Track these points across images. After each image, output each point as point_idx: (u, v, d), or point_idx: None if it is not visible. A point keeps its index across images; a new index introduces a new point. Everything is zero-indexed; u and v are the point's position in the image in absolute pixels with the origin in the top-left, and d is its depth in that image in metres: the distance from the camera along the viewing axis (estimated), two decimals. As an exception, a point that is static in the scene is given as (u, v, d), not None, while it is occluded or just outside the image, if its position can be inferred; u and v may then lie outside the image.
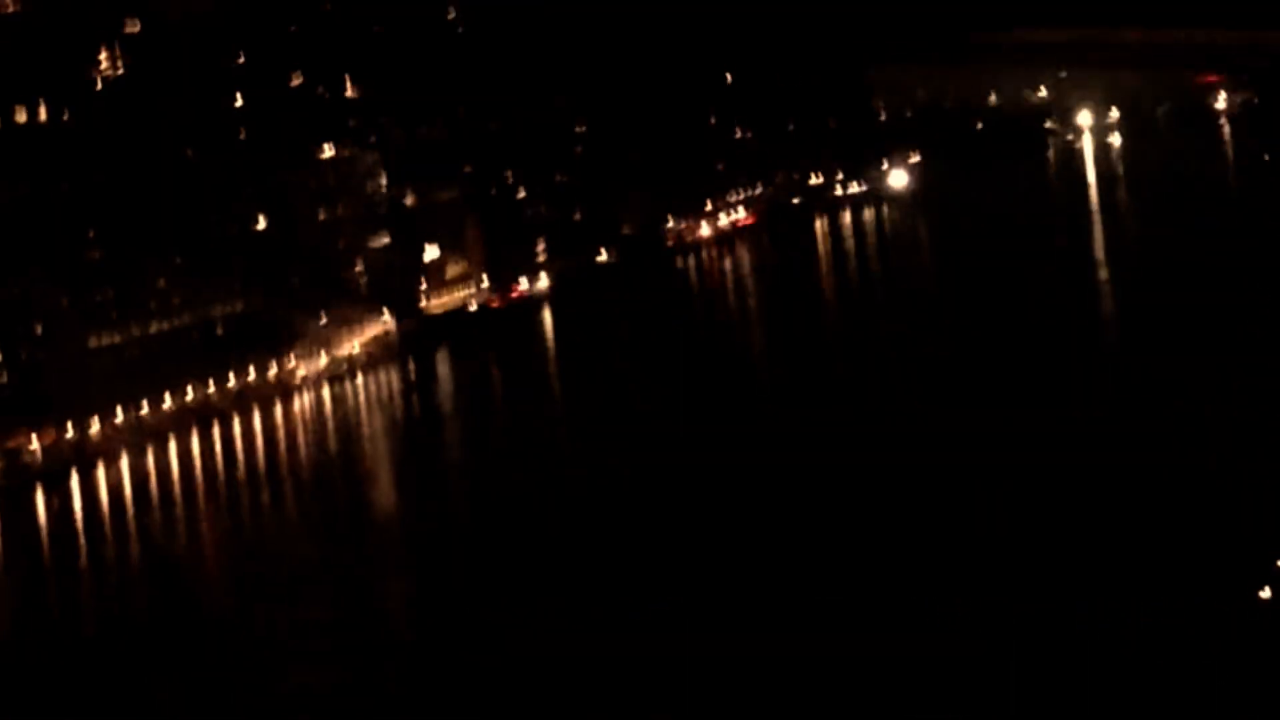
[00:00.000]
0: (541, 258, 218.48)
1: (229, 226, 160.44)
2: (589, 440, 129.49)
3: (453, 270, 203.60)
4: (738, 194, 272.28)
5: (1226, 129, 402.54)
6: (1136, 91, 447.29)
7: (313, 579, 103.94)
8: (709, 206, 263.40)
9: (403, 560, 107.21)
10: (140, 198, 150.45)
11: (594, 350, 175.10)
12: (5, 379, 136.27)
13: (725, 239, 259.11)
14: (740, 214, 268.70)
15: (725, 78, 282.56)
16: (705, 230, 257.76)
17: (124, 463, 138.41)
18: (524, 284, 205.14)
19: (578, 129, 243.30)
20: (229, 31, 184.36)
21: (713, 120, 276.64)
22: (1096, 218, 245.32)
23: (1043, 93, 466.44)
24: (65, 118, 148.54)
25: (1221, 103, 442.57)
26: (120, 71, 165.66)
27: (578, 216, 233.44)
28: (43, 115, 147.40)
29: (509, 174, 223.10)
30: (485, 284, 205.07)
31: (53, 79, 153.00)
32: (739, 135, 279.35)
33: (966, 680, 66.46)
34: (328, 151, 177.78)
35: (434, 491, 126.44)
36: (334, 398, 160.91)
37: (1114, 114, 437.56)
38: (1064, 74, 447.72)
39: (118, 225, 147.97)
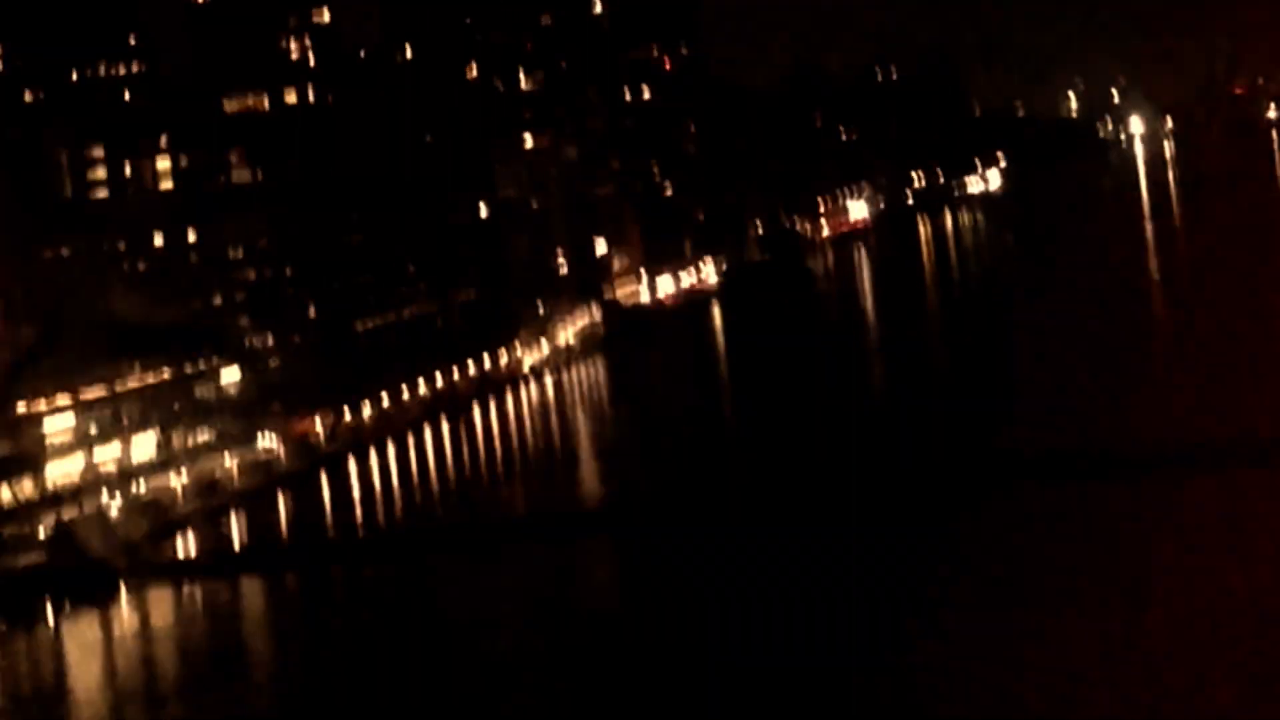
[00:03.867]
0: (689, 254, 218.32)
1: (459, 215, 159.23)
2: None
3: (617, 264, 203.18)
4: (846, 194, 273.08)
5: (1275, 138, 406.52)
6: (1185, 100, 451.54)
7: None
8: (823, 207, 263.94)
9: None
10: (388, 183, 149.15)
11: (782, 342, 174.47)
12: (280, 363, 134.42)
13: (843, 239, 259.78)
14: (854, 215, 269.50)
15: (828, 77, 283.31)
16: (825, 230, 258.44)
17: (390, 449, 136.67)
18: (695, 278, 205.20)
19: (691, 128, 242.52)
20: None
21: (818, 121, 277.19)
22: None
23: (1073, 101, 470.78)
24: (327, 102, 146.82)
25: (1271, 112, 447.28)
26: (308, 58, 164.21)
27: (700, 216, 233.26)
28: (311, 97, 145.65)
29: (655, 169, 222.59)
30: (644, 278, 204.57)
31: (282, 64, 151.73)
32: (844, 136, 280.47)
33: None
34: (529, 142, 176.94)
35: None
36: (564, 387, 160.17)
37: (1168, 122, 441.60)
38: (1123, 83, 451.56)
39: (371, 210, 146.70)
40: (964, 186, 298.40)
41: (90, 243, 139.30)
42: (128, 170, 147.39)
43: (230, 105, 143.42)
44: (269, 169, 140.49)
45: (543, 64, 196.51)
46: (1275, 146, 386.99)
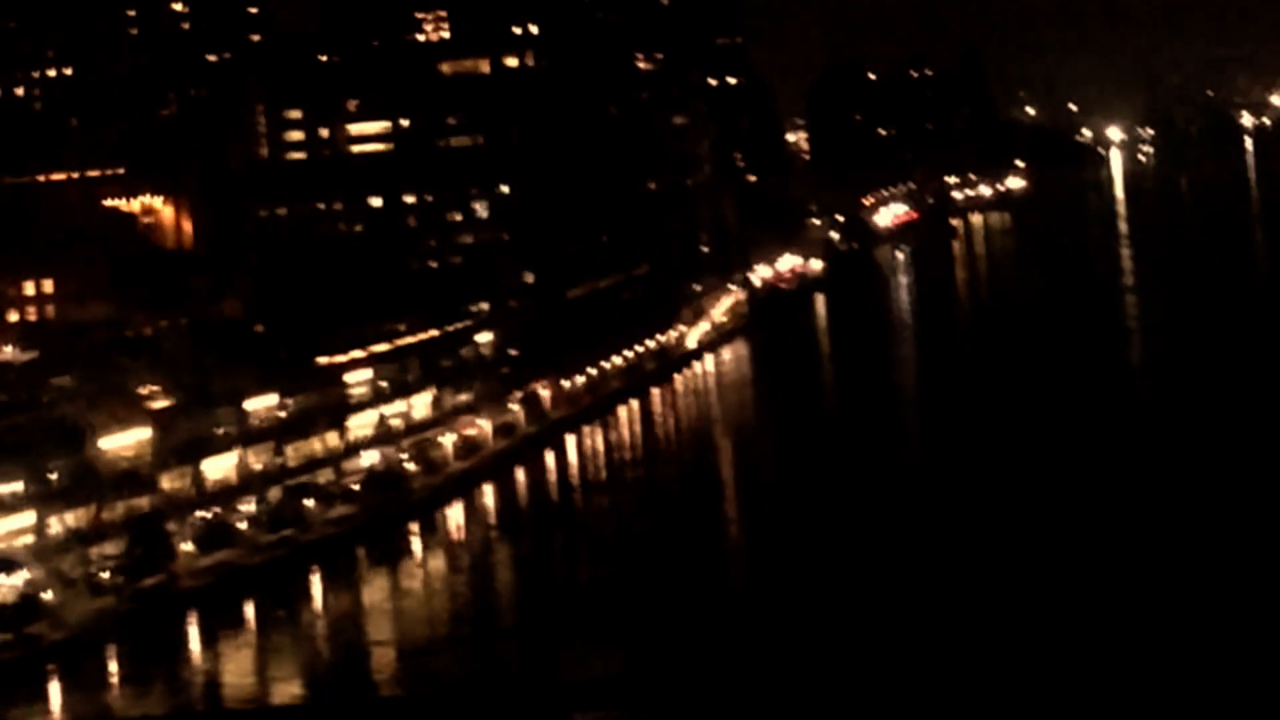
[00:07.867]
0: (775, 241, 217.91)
1: (636, 189, 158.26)
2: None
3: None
4: (889, 191, 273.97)
5: (1250, 144, 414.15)
6: (1164, 106, 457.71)
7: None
8: (869, 202, 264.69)
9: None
10: (584, 153, 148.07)
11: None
12: (507, 328, 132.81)
13: (893, 234, 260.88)
14: (902, 211, 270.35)
15: (867, 75, 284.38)
16: (880, 223, 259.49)
17: (606, 420, 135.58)
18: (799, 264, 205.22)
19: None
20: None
21: (858, 117, 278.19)
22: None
23: (1029, 108, 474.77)
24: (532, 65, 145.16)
25: (1247, 119, 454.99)
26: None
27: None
28: (530, 60, 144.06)
29: (738, 158, 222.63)
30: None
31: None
32: (883, 133, 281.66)
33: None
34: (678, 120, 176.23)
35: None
36: (731, 362, 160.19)
37: (1144, 130, 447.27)
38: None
39: (572, 179, 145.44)
40: (997, 187, 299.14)
41: (303, 203, 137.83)
42: (324, 132, 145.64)
43: (448, 69, 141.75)
44: (490, 133, 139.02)
45: (658, 45, 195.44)
46: (1250, 154, 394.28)
